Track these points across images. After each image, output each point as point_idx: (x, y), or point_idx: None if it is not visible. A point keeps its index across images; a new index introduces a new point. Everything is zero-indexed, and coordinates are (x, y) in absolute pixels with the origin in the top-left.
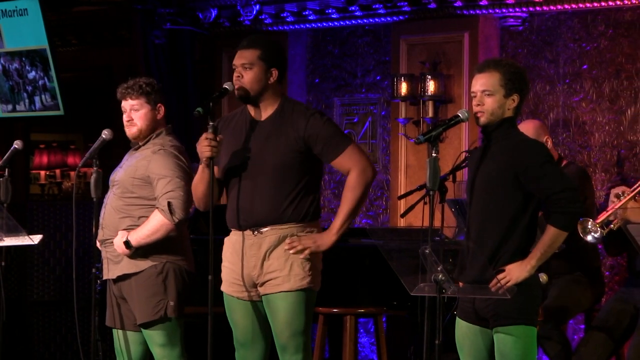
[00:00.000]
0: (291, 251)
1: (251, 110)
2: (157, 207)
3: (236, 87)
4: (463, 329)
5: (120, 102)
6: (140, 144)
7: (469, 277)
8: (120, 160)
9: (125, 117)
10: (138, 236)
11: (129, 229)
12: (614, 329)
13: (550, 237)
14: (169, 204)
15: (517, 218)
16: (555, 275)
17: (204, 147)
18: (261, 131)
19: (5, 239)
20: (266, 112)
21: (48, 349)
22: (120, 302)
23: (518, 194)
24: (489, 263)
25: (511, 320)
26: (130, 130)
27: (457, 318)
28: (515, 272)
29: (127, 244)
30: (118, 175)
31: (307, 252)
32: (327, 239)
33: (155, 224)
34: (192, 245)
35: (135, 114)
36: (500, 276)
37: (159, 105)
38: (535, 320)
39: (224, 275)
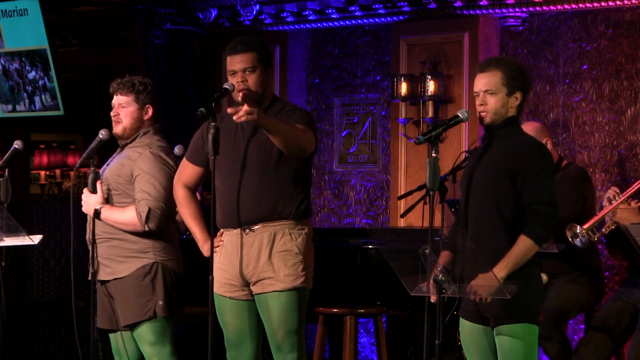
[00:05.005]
0: (235, 117)
1: None
2: (137, 202)
3: (242, 92)
4: (467, 329)
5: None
6: (127, 141)
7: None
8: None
9: (112, 113)
10: (109, 216)
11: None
12: (614, 329)
13: (523, 248)
14: (149, 210)
15: (519, 218)
16: (555, 275)
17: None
18: (251, 130)
19: (5, 239)
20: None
21: (48, 349)
22: (112, 301)
23: (516, 193)
24: (495, 263)
25: (514, 318)
26: (116, 127)
27: (460, 318)
28: (483, 290)
29: (97, 213)
30: (105, 173)
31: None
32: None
33: (127, 219)
34: (192, 246)
35: (122, 110)
36: (468, 290)
37: (147, 106)
38: (537, 319)
39: (215, 275)
